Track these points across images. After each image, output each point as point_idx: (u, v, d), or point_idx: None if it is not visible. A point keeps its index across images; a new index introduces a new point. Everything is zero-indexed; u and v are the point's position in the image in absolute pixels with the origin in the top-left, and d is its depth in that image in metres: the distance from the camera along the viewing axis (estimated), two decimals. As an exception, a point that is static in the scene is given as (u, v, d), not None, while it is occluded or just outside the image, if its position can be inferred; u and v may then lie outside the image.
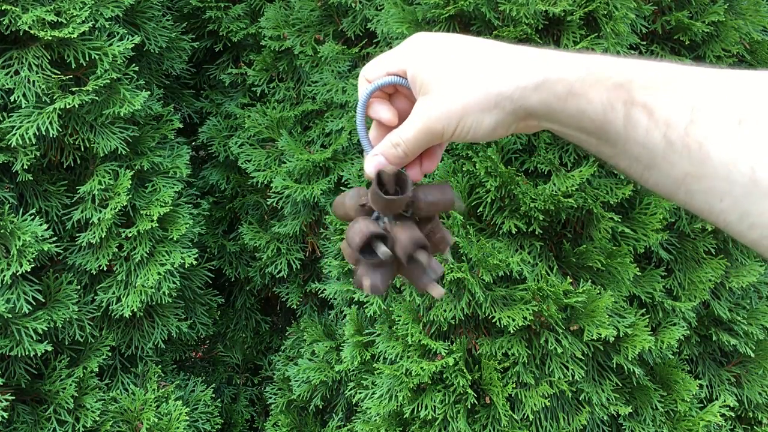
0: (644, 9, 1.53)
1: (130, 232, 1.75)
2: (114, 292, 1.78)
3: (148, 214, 1.76)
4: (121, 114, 1.70)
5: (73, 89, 1.65)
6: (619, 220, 1.52)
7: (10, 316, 1.59)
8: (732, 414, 1.68)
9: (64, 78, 1.65)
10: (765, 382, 1.72)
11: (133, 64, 1.75)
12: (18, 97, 1.59)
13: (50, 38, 1.59)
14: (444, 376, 1.55)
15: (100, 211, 1.71)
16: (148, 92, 1.78)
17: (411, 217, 0.63)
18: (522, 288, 1.51)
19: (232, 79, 2.14)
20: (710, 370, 1.72)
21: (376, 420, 1.62)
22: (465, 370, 1.53)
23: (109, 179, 1.72)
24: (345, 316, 1.76)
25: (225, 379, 2.23)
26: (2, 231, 1.59)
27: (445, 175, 1.54)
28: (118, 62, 1.69)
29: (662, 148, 0.49)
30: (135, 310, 1.75)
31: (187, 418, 1.81)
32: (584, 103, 0.52)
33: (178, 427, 1.77)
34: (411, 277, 0.62)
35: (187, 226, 1.81)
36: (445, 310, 1.53)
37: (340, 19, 1.97)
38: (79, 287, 1.75)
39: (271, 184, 1.92)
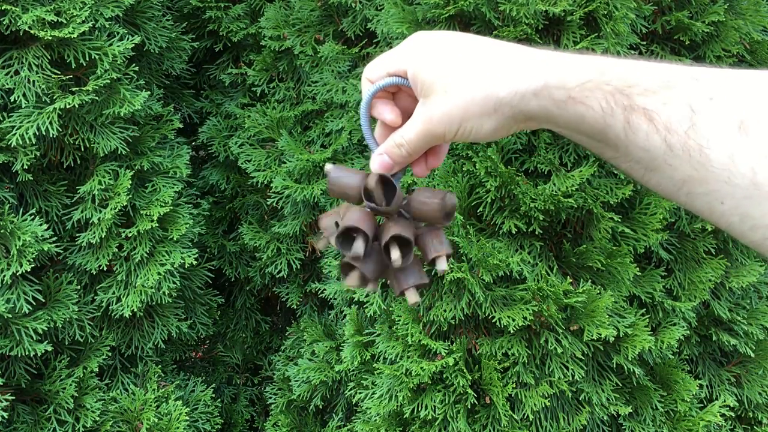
0: (644, 9, 1.53)
1: (130, 232, 1.75)
2: (114, 292, 1.78)
3: (148, 214, 1.76)
4: (121, 114, 1.70)
5: (73, 89, 1.65)
6: (619, 220, 1.52)
7: (10, 316, 1.59)
8: (732, 414, 1.68)
9: (64, 78, 1.65)
10: (765, 382, 1.72)
11: (133, 64, 1.75)
12: (18, 97, 1.59)
13: (50, 38, 1.59)
14: (444, 376, 1.55)
15: (100, 211, 1.71)
16: (148, 92, 1.78)
17: (408, 219, 0.63)
18: (522, 288, 1.51)
19: (232, 79, 2.14)
20: (710, 370, 1.72)
21: (376, 420, 1.62)
22: (465, 370, 1.53)
23: (109, 179, 1.72)
24: (345, 316, 1.76)
25: (225, 379, 2.23)
26: (2, 231, 1.59)
27: (445, 175, 1.54)
28: (118, 62, 1.69)
29: (663, 152, 0.49)
30: (135, 310, 1.75)
31: (187, 418, 1.81)
32: (583, 108, 0.53)
33: (178, 427, 1.77)
34: (395, 278, 0.62)
35: (187, 226, 1.81)
36: (445, 310, 1.53)
37: (340, 19, 1.97)
38: (79, 287, 1.75)
39: (271, 184, 1.92)
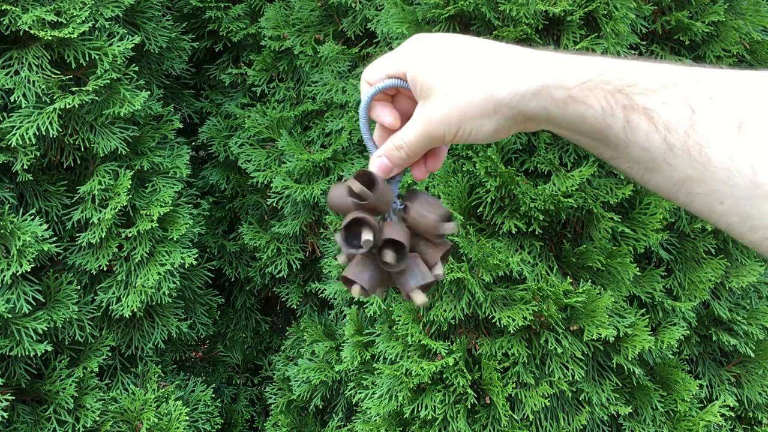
0: (644, 9, 1.53)
1: (130, 232, 1.75)
2: (114, 292, 1.78)
3: (148, 214, 1.76)
4: (121, 114, 1.70)
5: (73, 89, 1.65)
6: (619, 220, 1.52)
7: (10, 316, 1.59)
8: (732, 414, 1.68)
9: (64, 78, 1.65)
10: (765, 382, 1.72)
11: (133, 64, 1.75)
12: (18, 97, 1.59)
13: (50, 38, 1.59)
14: (444, 376, 1.55)
15: (100, 211, 1.71)
16: (148, 92, 1.78)
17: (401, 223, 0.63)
18: (522, 288, 1.51)
19: (232, 79, 2.14)
20: (710, 370, 1.72)
21: (376, 420, 1.62)
22: (465, 370, 1.53)
23: (109, 179, 1.72)
24: (345, 316, 1.76)
25: (225, 379, 2.23)
26: (2, 231, 1.59)
27: (445, 175, 1.54)
28: (118, 62, 1.69)
29: (662, 152, 0.49)
30: (135, 310, 1.75)
31: (187, 418, 1.81)
32: (583, 108, 0.52)
33: (178, 427, 1.77)
34: (399, 282, 0.62)
35: (187, 226, 1.81)
36: (445, 310, 1.53)
37: (340, 19, 1.97)
38: (79, 287, 1.75)
39: (271, 184, 1.92)
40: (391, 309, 1.63)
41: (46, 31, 1.58)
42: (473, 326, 1.59)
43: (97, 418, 1.72)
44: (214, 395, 1.99)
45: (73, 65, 1.65)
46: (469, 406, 1.54)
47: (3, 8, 1.58)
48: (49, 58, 1.64)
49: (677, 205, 1.58)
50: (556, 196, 1.46)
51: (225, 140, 2.10)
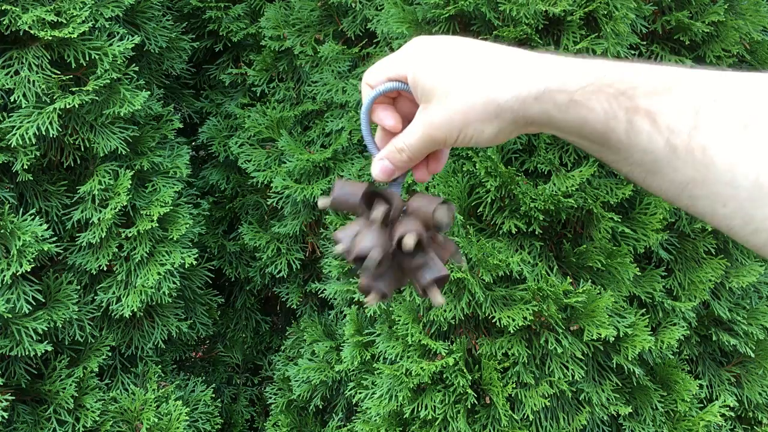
0: (644, 9, 1.53)
1: (130, 232, 1.75)
2: (114, 292, 1.78)
3: (148, 214, 1.76)
4: (121, 114, 1.70)
5: (73, 89, 1.65)
6: (619, 220, 1.52)
7: (10, 316, 1.59)
8: (732, 414, 1.68)
9: (64, 78, 1.65)
10: (765, 382, 1.72)
11: (133, 64, 1.75)
12: (18, 97, 1.59)
13: (50, 38, 1.59)
14: (444, 376, 1.55)
15: (100, 211, 1.71)
16: (148, 92, 1.78)
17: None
18: (522, 288, 1.51)
19: (232, 79, 2.14)
20: (710, 370, 1.72)
21: (376, 420, 1.62)
22: (465, 370, 1.53)
23: (109, 179, 1.72)
24: (345, 316, 1.77)
25: (225, 379, 2.23)
26: (2, 231, 1.59)
27: (445, 175, 1.54)
28: (118, 62, 1.69)
29: (665, 154, 0.49)
30: (135, 310, 1.75)
31: (187, 418, 1.81)
32: (585, 111, 0.52)
33: (178, 427, 1.77)
34: (414, 277, 0.62)
35: (187, 226, 1.81)
36: (445, 310, 1.53)
37: (340, 19, 1.97)
38: (79, 287, 1.75)
39: (271, 184, 1.92)
40: (391, 309, 1.63)
41: (46, 31, 1.58)
42: (473, 326, 1.59)
43: (97, 418, 1.72)
44: (214, 395, 1.99)
45: (73, 65, 1.65)
46: (469, 406, 1.54)
47: (3, 8, 1.58)
48: (49, 58, 1.64)
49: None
50: (556, 196, 1.46)
51: (225, 140, 2.10)
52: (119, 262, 1.78)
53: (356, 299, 1.74)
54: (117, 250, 1.76)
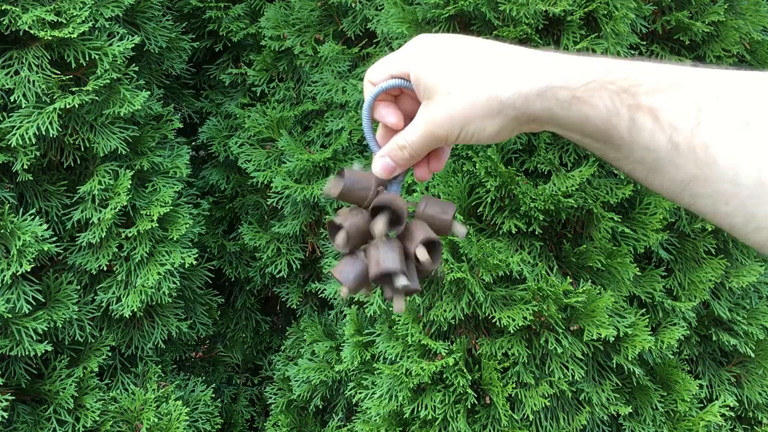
0: (644, 9, 1.53)
1: (130, 232, 1.75)
2: (114, 292, 1.78)
3: (148, 214, 1.76)
4: (121, 114, 1.70)
5: (73, 89, 1.65)
6: (619, 220, 1.52)
7: (10, 316, 1.59)
8: (732, 414, 1.68)
9: (64, 78, 1.65)
10: (765, 382, 1.72)
11: (133, 64, 1.75)
12: (18, 97, 1.59)
13: (50, 38, 1.59)
14: (444, 376, 1.55)
15: (100, 211, 1.71)
16: (148, 92, 1.78)
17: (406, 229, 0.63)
18: (522, 288, 1.51)
19: (232, 79, 2.14)
20: (710, 370, 1.72)
21: (376, 420, 1.62)
22: (465, 370, 1.53)
23: (109, 179, 1.72)
24: (345, 316, 1.77)
25: (225, 379, 2.23)
26: (2, 231, 1.59)
27: (445, 175, 1.54)
28: (118, 62, 1.69)
29: (667, 152, 0.49)
30: (135, 310, 1.75)
31: (187, 418, 1.80)
32: (588, 108, 0.52)
33: (178, 427, 1.77)
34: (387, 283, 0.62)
35: (187, 226, 1.81)
36: (445, 310, 1.53)
37: (340, 19, 1.97)
38: (79, 287, 1.75)
39: (271, 184, 1.92)
40: (391, 309, 1.63)
41: (46, 31, 1.58)
42: (473, 326, 1.59)
43: (97, 418, 1.72)
44: (214, 395, 1.99)
45: (73, 65, 1.65)
46: (469, 406, 1.54)
47: (3, 8, 1.58)
48: (49, 58, 1.64)
49: (679, 206, 1.58)
50: (556, 196, 1.46)
51: (225, 140, 2.10)
52: (119, 262, 1.78)
53: (356, 299, 1.74)
54: (117, 250, 1.76)
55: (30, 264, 1.60)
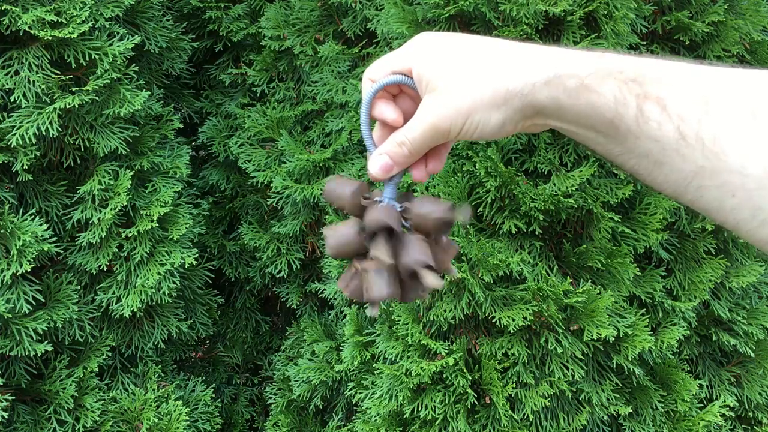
0: (644, 9, 1.53)
1: (130, 232, 1.75)
2: (114, 292, 1.78)
3: (148, 214, 1.76)
4: (121, 114, 1.70)
5: (73, 89, 1.65)
6: (619, 220, 1.52)
7: (10, 316, 1.59)
8: (732, 414, 1.68)
9: (64, 78, 1.65)
10: (765, 382, 1.72)
11: (133, 64, 1.75)
12: (18, 97, 1.59)
13: (50, 38, 1.59)
14: (444, 376, 1.55)
15: (100, 211, 1.71)
16: (148, 92, 1.78)
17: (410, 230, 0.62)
18: (522, 288, 1.51)
19: (232, 79, 2.14)
20: (710, 370, 1.72)
21: (376, 420, 1.62)
22: (465, 370, 1.53)
23: (109, 179, 1.72)
24: (345, 316, 1.77)
25: (225, 379, 2.23)
26: (2, 231, 1.59)
27: (445, 175, 1.54)
28: (118, 62, 1.69)
29: (675, 141, 0.48)
30: (135, 310, 1.75)
31: (187, 418, 1.80)
32: (595, 97, 0.51)
33: (178, 427, 1.77)
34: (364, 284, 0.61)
35: (187, 226, 1.81)
36: (445, 310, 1.53)
37: (340, 19, 1.97)
38: (79, 287, 1.75)
39: (271, 184, 1.92)
40: (391, 309, 1.63)
41: (46, 31, 1.58)
42: (473, 326, 1.59)
43: (97, 418, 1.72)
44: (214, 395, 1.99)
45: (73, 65, 1.65)
46: (469, 406, 1.54)
47: (3, 8, 1.58)
48: (49, 58, 1.64)
49: (678, 205, 1.58)
50: (556, 196, 1.46)
51: (225, 140, 2.10)
52: (119, 262, 1.78)
53: (356, 299, 1.74)
54: (117, 250, 1.76)
55: (30, 264, 1.60)
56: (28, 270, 1.60)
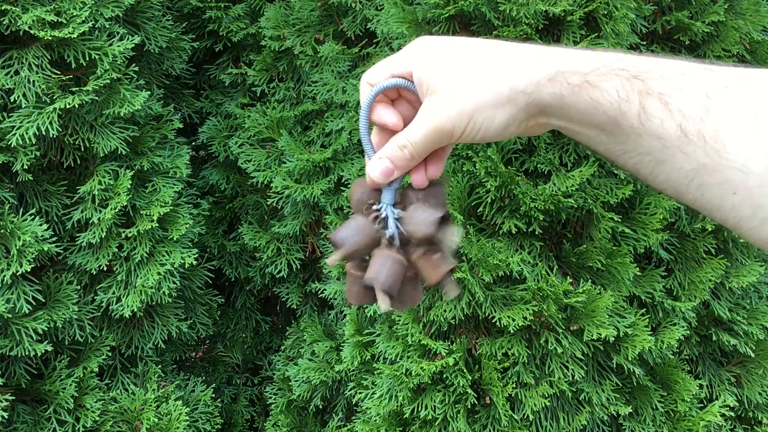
0: (644, 9, 1.53)
1: (130, 232, 1.75)
2: (114, 292, 1.78)
3: (148, 214, 1.76)
4: (121, 114, 1.70)
5: (73, 89, 1.65)
6: (619, 220, 1.52)
7: (10, 316, 1.59)
8: (732, 414, 1.68)
9: (64, 78, 1.65)
10: (765, 382, 1.72)
11: (133, 64, 1.75)
12: (18, 97, 1.59)
13: (50, 38, 1.59)
14: (444, 376, 1.55)
15: (100, 211, 1.71)
16: (148, 92, 1.78)
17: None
18: (522, 288, 1.51)
19: (232, 79, 2.14)
20: (710, 370, 1.72)
21: (376, 420, 1.62)
22: (465, 370, 1.53)
23: (109, 179, 1.72)
24: (345, 316, 1.77)
25: (225, 379, 2.23)
26: (2, 231, 1.59)
27: (446, 174, 1.54)
28: (118, 62, 1.69)
29: (677, 138, 0.49)
30: (135, 310, 1.75)
31: (187, 418, 1.80)
32: (598, 93, 0.51)
33: (178, 427, 1.77)
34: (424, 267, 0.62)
35: (187, 226, 1.81)
36: (445, 310, 1.53)
37: (340, 19, 1.97)
38: (79, 287, 1.75)
39: (271, 184, 1.92)
40: (390, 309, 1.63)
41: (46, 31, 1.58)
42: (473, 326, 1.59)
43: (97, 418, 1.72)
44: (214, 395, 1.99)
45: (73, 65, 1.65)
46: (469, 406, 1.54)
47: (3, 8, 1.58)
48: (49, 58, 1.64)
49: (678, 205, 1.58)
50: (556, 196, 1.46)
51: (225, 140, 2.10)
52: (119, 262, 1.78)
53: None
54: (117, 250, 1.76)
55: (30, 264, 1.60)
56: (28, 270, 1.60)
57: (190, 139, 2.14)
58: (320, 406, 1.91)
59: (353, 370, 1.74)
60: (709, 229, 1.62)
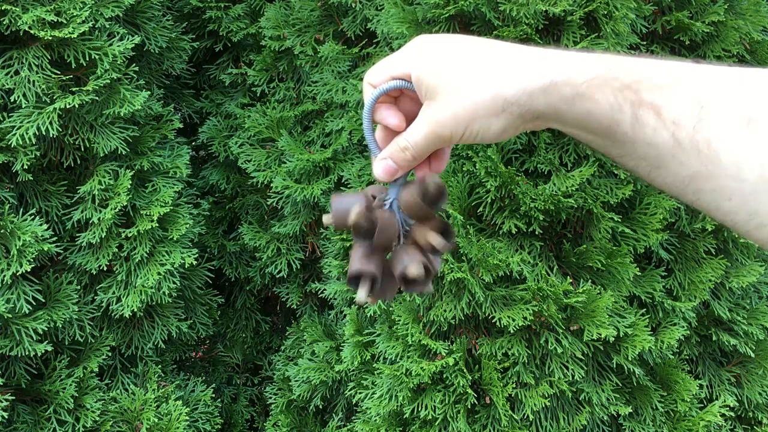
0: (644, 9, 1.53)
1: (130, 232, 1.75)
2: (114, 292, 1.78)
3: (148, 214, 1.76)
4: (121, 114, 1.70)
5: (73, 89, 1.65)
6: (619, 220, 1.52)
7: (10, 316, 1.59)
8: (732, 414, 1.68)
9: (64, 78, 1.65)
10: (765, 382, 1.72)
11: (133, 64, 1.75)
12: (18, 97, 1.59)
13: (50, 38, 1.59)
14: (444, 376, 1.55)
15: (100, 211, 1.71)
16: (148, 92, 1.78)
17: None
18: (522, 288, 1.51)
19: (232, 79, 2.14)
20: (710, 370, 1.72)
21: (376, 420, 1.62)
22: (465, 370, 1.53)
23: (109, 179, 1.72)
24: (345, 316, 1.77)
25: (225, 379, 2.23)
26: (2, 231, 1.59)
27: (445, 175, 1.54)
28: (118, 62, 1.69)
29: (671, 147, 0.49)
30: (135, 310, 1.75)
31: (187, 418, 1.81)
32: (591, 104, 0.52)
33: (178, 427, 1.77)
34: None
35: (187, 226, 1.81)
36: (445, 310, 1.53)
37: (340, 19, 1.97)
38: (79, 287, 1.75)
39: (271, 184, 1.92)
40: (391, 309, 1.63)
41: (46, 31, 1.58)
42: (473, 326, 1.59)
43: (97, 418, 1.72)
44: (214, 395, 1.99)
45: (73, 65, 1.65)
46: (469, 406, 1.54)
47: (3, 8, 1.58)
48: (49, 58, 1.64)
49: (678, 205, 1.58)
50: (556, 196, 1.46)
51: (225, 140, 2.10)
52: (119, 262, 1.78)
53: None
54: (117, 250, 1.76)
55: (30, 264, 1.60)
56: (28, 270, 1.60)
57: (190, 139, 2.14)
58: (320, 406, 1.91)
59: (353, 370, 1.74)
60: (709, 229, 1.62)
